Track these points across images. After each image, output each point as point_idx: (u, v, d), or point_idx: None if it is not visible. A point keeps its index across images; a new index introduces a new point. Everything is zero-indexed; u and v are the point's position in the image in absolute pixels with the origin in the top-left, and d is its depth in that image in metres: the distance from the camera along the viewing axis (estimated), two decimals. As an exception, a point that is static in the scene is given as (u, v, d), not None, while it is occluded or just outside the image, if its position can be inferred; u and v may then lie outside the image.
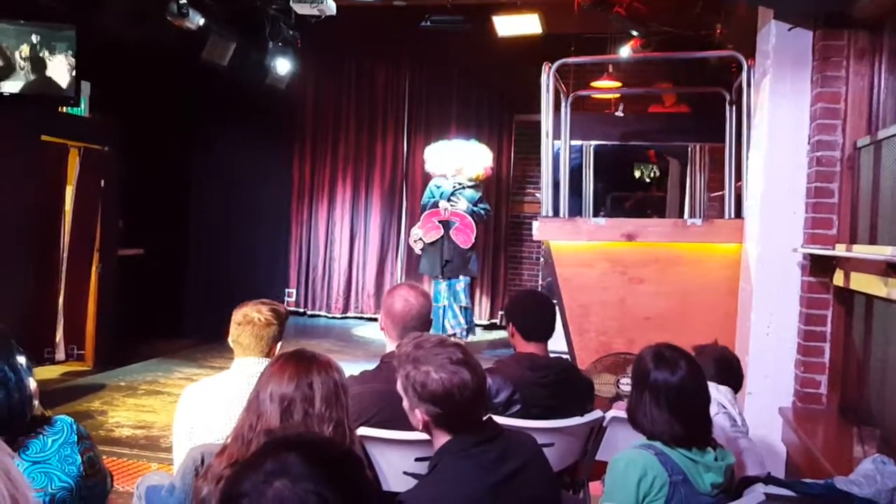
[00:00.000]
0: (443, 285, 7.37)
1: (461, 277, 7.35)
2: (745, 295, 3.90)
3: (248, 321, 2.63)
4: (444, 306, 7.33)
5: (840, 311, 3.53)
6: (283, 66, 7.36)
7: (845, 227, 3.51)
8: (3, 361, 1.84)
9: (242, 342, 2.64)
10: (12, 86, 5.67)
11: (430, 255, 7.38)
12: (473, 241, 7.27)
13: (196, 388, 2.64)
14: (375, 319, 8.34)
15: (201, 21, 6.21)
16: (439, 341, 1.93)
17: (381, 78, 9.43)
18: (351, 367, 2.59)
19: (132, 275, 7.12)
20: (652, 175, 8.30)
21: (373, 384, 2.48)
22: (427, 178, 9.10)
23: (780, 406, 3.62)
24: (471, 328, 7.51)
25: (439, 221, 7.31)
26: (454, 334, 7.12)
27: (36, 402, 1.97)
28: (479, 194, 7.46)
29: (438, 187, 7.41)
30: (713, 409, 2.37)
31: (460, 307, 7.36)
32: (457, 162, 7.38)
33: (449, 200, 7.32)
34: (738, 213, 4.21)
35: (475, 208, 7.34)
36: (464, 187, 7.36)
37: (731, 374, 2.93)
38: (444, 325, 7.31)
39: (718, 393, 2.72)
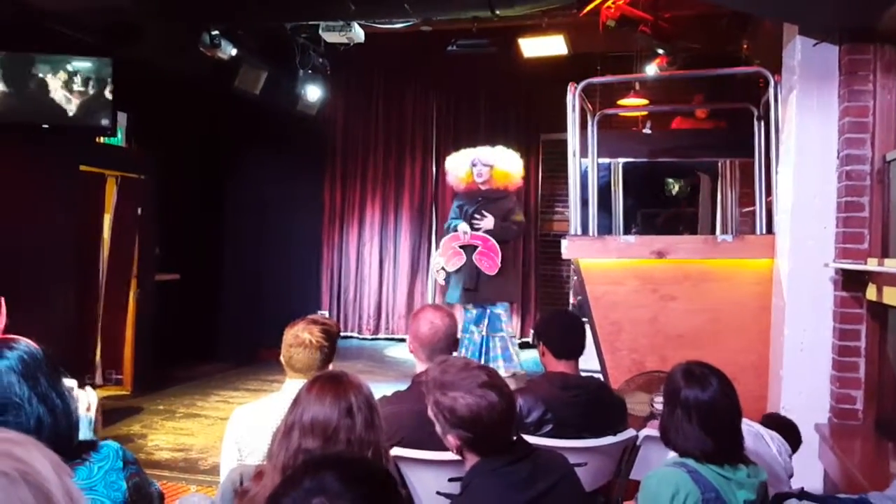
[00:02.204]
0: (473, 314, 6.50)
1: (498, 304, 6.44)
2: (778, 311, 3.87)
3: (299, 342, 2.63)
4: (480, 338, 6.40)
5: (874, 326, 3.48)
6: (313, 93, 7.49)
7: (877, 241, 3.48)
8: (51, 388, 1.83)
9: (294, 364, 2.64)
10: (52, 118, 5.84)
11: (454, 281, 6.55)
12: (500, 264, 6.35)
13: (245, 409, 2.64)
14: (406, 340, 8.34)
15: (233, 51, 6.37)
16: (464, 365, 1.95)
17: (408, 101, 9.54)
18: (383, 388, 2.63)
19: (169, 300, 7.24)
20: (683, 191, 8.27)
21: (406, 404, 2.50)
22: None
23: (815, 422, 3.57)
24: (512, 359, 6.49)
25: (461, 247, 6.45)
26: (512, 374, 6.09)
27: (91, 418, 1.98)
28: (510, 206, 6.56)
29: (461, 205, 6.60)
30: (767, 446, 2.37)
31: (501, 338, 6.41)
32: (472, 155, 6.56)
33: (473, 218, 6.42)
34: (770, 229, 4.18)
35: (504, 224, 6.45)
36: (490, 200, 6.50)
37: (791, 439, 2.88)
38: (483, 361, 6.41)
39: (758, 426, 2.68)
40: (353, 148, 9.69)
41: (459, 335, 6.46)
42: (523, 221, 6.76)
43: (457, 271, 6.46)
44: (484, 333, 6.39)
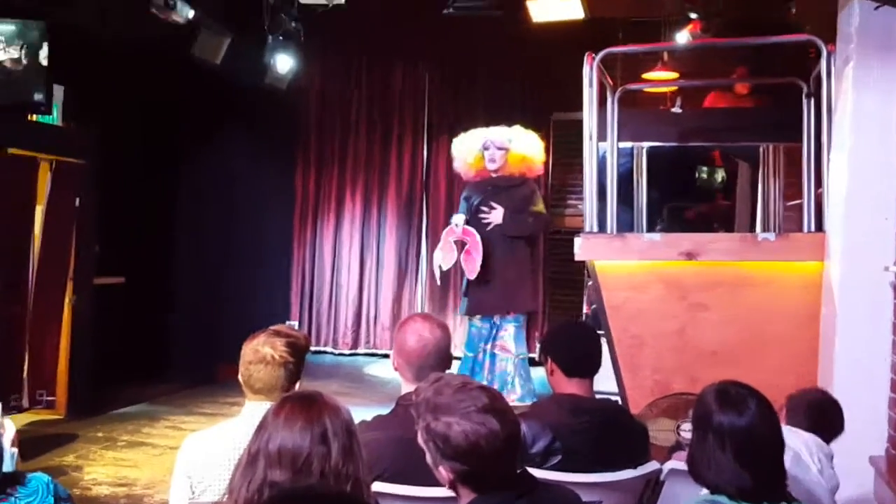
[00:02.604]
0: (480, 328, 6.37)
1: (509, 316, 6.30)
2: (828, 322, 3.88)
3: (259, 358, 2.63)
4: (482, 356, 6.30)
5: (943, 341, 3.49)
6: (284, 63, 7.48)
7: (946, 241, 3.49)
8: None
9: (254, 384, 2.64)
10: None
11: (468, 287, 6.40)
12: (478, 268, 6.18)
13: (200, 437, 2.64)
14: (390, 356, 8.35)
15: (191, 13, 6.33)
16: (461, 384, 1.95)
17: (397, 75, 9.55)
18: (363, 412, 2.62)
19: (111, 307, 7.21)
20: (718, 180, 8.27)
21: (389, 430, 2.50)
22: (453, 190, 9.16)
23: (870, 455, 3.58)
24: (529, 390, 6.27)
25: (455, 242, 6.34)
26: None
27: (14, 452, 1.98)
28: (526, 194, 6.43)
29: (469, 197, 6.53)
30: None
31: (512, 357, 6.23)
32: (483, 137, 6.49)
33: (480, 211, 6.33)
34: (819, 226, 4.19)
35: (517, 216, 6.31)
36: (501, 189, 6.38)
37: (826, 422, 2.93)
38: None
39: (795, 438, 2.70)
40: (330, 128, 9.69)
41: (461, 353, 6.46)
42: (545, 214, 6.67)
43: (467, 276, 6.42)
44: (488, 349, 6.32)
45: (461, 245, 6.35)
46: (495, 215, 6.31)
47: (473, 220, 6.39)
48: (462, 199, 6.68)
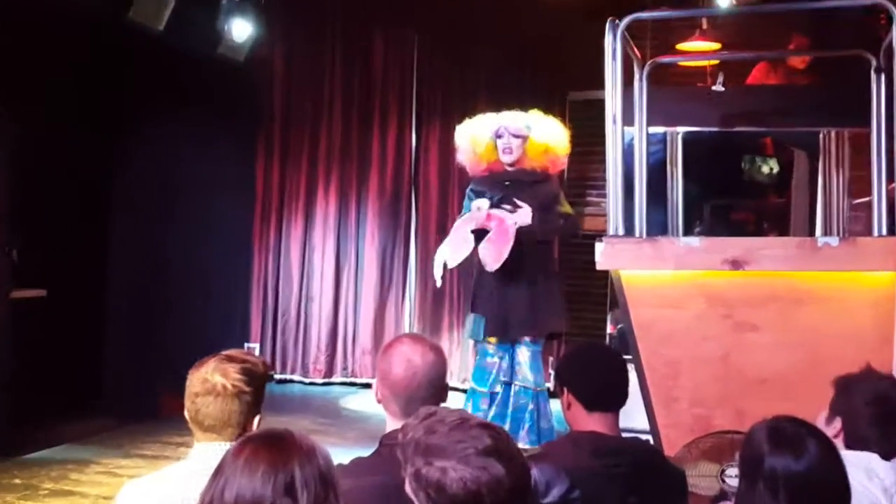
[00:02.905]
0: (491, 356, 6.31)
1: (528, 338, 6.29)
2: (904, 345, 3.89)
3: (208, 389, 2.62)
4: (499, 389, 6.26)
5: None
6: (241, 30, 7.49)
7: None
8: None
9: (203, 420, 2.64)
10: None
11: (480, 301, 6.39)
12: (502, 258, 6.11)
13: (140, 484, 2.64)
14: (372, 385, 8.33)
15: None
16: (459, 421, 1.94)
17: (378, 45, 9.58)
18: (340, 455, 2.61)
19: (30, 326, 7.17)
20: (769, 173, 8.28)
21: (371, 476, 2.50)
22: (447, 183, 9.15)
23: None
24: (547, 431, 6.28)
25: (473, 231, 6.27)
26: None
27: None
28: (552, 191, 6.51)
29: (480, 193, 6.47)
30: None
31: (526, 391, 6.22)
32: (496, 122, 6.48)
33: (500, 206, 6.28)
34: (892, 229, 4.20)
35: (546, 217, 6.34)
36: (522, 185, 6.39)
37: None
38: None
39: (863, 475, 2.69)
40: (297, 110, 9.71)
41: (466, 385, 6.40)
42: (573, 215, 6.75)
43: (483, 276, 6.33)
44: (504, 380, 6.25)
45: (479, 237, 6.23)
46: (522, 214, 6.25)
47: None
48: (468, 193, 6.59)
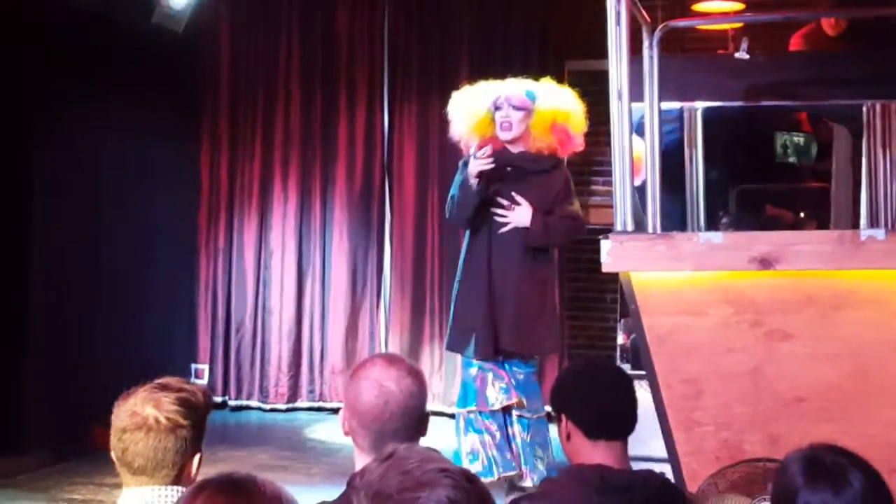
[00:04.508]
0: (475, 366, 6.18)
1: (516, 360, 6.19)
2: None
3: (137, 424, 2.63)
4: (500, 429, 6.16)
5: None
6: (179, -6, 7.45)
7: None
8: None
9: (132, 461, 2.64)
10: None
11: (465, 296, 6.27)
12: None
13: None
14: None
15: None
16: (416, 466, 1.84)
17: (343, 14, 9.55)
18: (305, 496, 2.60)
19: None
20: (805, 154, 8.30)
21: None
22: (426, 172, 9.15)
23: None
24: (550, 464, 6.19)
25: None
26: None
27: None
28: (560, 185, 6.39)
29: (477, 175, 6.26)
30: None
31: (528, 422, 6.17)
32: (495, 92, 6.30)
33: (496, 204, 6.18)
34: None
35: (548, 220, 6.23)
36: (525, 173, 6.28)
37: None
38: (494, 468, 6.05)
39: None
40: (248, 89, 9.69)
41: (455, 412, 6.29)
42: (581, 217, 6.59)
43: (470, 276, 6.25)
44: (507, 401, 6.11)
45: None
46: (520, 214, 6.13)
47: (483, 211, 6.19)
48: (460, 167, 6.36)
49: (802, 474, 2.16)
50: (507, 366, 6.16)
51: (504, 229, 6.15)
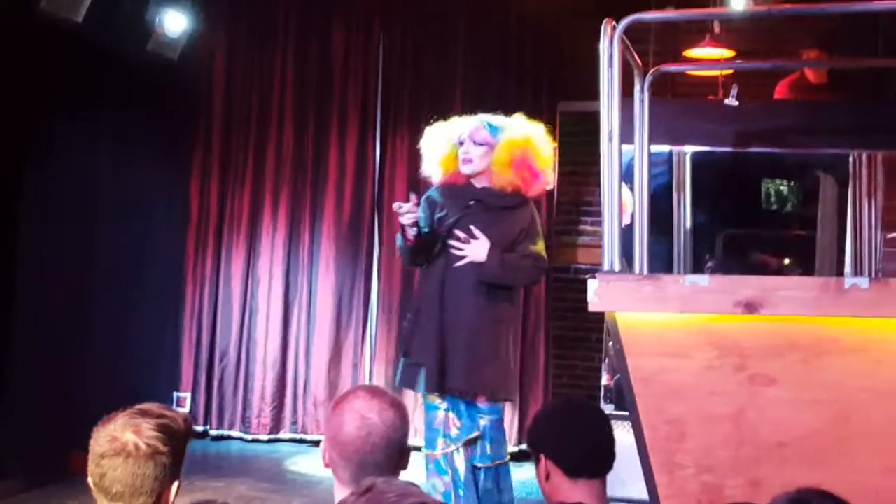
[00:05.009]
0: (436, 408, 5.91)
1: (484, 404, 5.86)
2: (946, 405, 3.89)
3: (116, 450, 2.62)
4: (464, 467, 5.84)
5: None
6: (175, 22, 7.47)
7: None
8: None
9: (109, 486, 2.63)
10: None
11: (418, 329, 5.99)
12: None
13: None
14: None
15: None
16: (398, 496, 1.85)
17: (338, 40, 9.58)
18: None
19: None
20: (790, 201, 8.35)
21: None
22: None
23: None
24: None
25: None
26: None
27: None
28: (523, 225, 6.03)
29: (434, 204, 6.11)
30: None
31: (487, 470, 5.85)
32: (461, 127, 6.08)
33: (453, 237, 5.88)
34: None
35: (508, 258, 5.89)
36: (489, 208, 5.98)
37: None
38: None
39: None
40: (241, 116, 9.69)
41: (429, 452, 6.12)
42: (543, 258, 6.15)
43: (419, 314, 6.02)
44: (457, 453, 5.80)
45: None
46: (476, 248, 5.84)
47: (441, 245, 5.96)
48: (423, 200, 6.14)
49: (788, 517, 2.16)
50: (471, 411, 5.84)
51: (459, 263, 5.86)
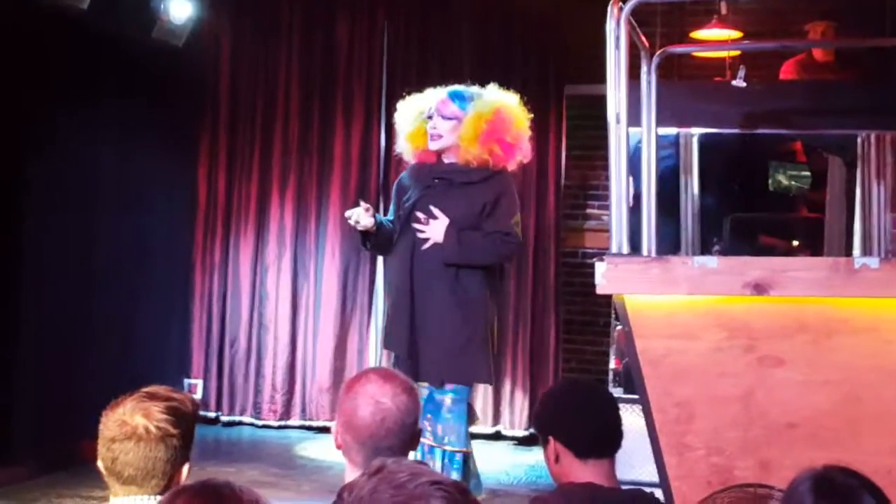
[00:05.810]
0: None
1: (447, 386, 5.59)
2: (957, 385, 3.88)
3: (127, 433, 2.62)
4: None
5: None
6: (179, 10, 7.46)
7: None
8: None
9: (121, 471, 2.63)
10: None
11: (391, 317, 5.84)
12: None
13: None
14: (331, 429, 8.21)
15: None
16: (407, 479, 1.81)
17: (343, 26, 9.56)
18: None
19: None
20: (799, 183, 8.32)
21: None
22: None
23: None
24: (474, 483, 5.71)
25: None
26: None
27: None
28: (491, 198, 5.70)
29: (402, 189, 5.92)
30: None
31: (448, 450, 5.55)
32: (430, 99, 5.90)
33: (413, 218, 5.67)
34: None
35: (471, 235, 5.64)
36: (453, 185, 5.73)
37: None
38: None
39: None
40: (247, 105, 9.69)
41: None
42: (516, 235, 5.84)
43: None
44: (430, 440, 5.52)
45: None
46: (434, 228, 5.61)
47: (406, 227, 5.73)
48: (394, 186, 6.05)
49: (812, 494, 2.14)
50: (436, 392, 5.58)
51: (424, 246, 5.63)
